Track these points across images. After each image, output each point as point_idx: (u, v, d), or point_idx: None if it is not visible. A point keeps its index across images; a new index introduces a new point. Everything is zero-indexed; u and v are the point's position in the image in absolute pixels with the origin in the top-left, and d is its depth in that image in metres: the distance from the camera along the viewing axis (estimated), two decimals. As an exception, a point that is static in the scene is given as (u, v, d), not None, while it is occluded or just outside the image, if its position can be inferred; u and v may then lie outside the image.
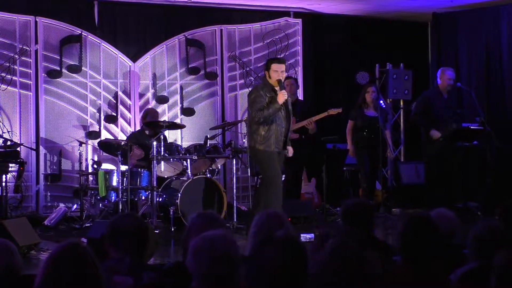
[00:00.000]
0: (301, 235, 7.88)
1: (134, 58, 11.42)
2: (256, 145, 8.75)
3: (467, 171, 11.30)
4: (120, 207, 9.58)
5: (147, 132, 10.45)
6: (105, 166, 10.25)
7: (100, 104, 11.19)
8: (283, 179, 10.98)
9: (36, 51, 10.82)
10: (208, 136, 10.29)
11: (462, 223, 9.91)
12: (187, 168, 9.98)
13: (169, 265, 4.46)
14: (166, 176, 10.01)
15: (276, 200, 8.69)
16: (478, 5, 12.12)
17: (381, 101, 11.09)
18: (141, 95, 11.45)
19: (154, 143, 9.62)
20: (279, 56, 11.54)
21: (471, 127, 11.20)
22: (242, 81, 12.04)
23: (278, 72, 8.77)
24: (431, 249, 4.16)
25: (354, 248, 3.31)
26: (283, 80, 8.83)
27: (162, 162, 9.80)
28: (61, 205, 10.40)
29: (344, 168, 11.97)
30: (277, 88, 8.72)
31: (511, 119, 11.89)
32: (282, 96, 8.70)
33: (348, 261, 3.24)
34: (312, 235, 7.74)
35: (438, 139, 11.04)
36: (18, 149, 10.01)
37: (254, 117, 8.71)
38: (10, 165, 9.78)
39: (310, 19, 12.65)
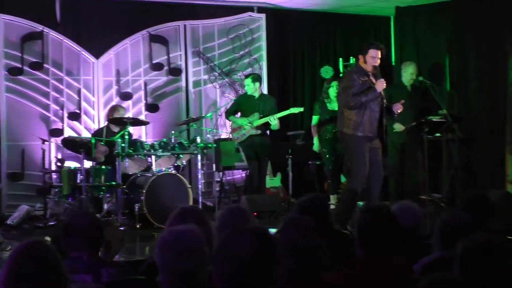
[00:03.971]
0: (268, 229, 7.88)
1: (97, 55, 11.36)
2: (348, 130, 8.71)
3: (430, 163, 11.36)
4: (84, 205, 9.52)
5: (112, 128, 10.39)
6: (69, 163, 10.17)
7: (63, 101, 11.11)
8: (247, 174, 11.07)
9: (-4, 49, 10.73)
10: (173, 132, 10.25)
11: (426, 214, 10.08)
12: (151, 165, 9.96)
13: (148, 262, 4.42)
14: (130, 173, 9.96)
15: (354, 193, 8.66)
16: (439, -1, 12.21)
17: None
18: (105, 92, 11.39)
19: (119, 139, 9.58)
20: (241, 52, 11.57)
21: (434, 120, 11.30)
22: (207, 76, 12.03)
23: (375, 58, 8.75)
24: (390, 240, 4.17)
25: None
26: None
27: (127, 159, 9.75)
28: (24, 205, 10.29)
29: (310, 162, 11.99)
30: (370, 74, 8.71)
31: (473, 111, 11.98)
32: (381, 85, 8.70)
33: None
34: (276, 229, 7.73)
35: (402, 132, 11.13)
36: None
37: (349, 102, 8.66)
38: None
39: (274, 14, 12.66)
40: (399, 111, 8.94)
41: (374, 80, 8.74)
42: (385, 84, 8.73)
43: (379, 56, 8.79)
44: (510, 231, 5.65)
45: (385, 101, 8.91)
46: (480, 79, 11.85)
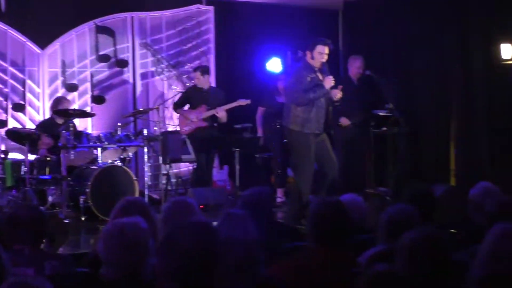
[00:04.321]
0: (213, 223, 7.88)
1: (42, 45, 11.25)
2: (294, 127, 8.70)
3: (377, 157, 11.47)
4: (28, 198, 9.42)
5: (57, 120, 10.29)
6: (13, 155, 10.04)
7: (7, 92, 10.98)
8: (194, 166, 11.07)
9: None
10: (120, 124, 10.20)
11: (372, 208, 10.17)
12: (97, 157, 9.91)
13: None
14: (76, 165, 9.89)
15: (305, 187, 8.67)
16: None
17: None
18: (50, 83, 11.28)
19: (63, 131, 9.49)
20: (189, 45, 11.55)
21: (381, 114, 11.40)
22: (154, 68, 12.00)
23: (323, 54, 8.75)
24: (340, 233, 4.23)
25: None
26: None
27: (72, 151, 9.66)
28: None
29: (257, 155, 12.00)
30: (317, 70, 8.71)
31: (420, 105, 12.12)
32: (329, 82, 8.70)
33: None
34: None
35: (348, 126, 11.20)
36: None
37: (297, 99, 8.63)
38: None
39: (222, 6, 12.65)
40: (338, 96, 8.94)
41: (321, 77, 8.78)
42: (333, 82, 8.76)
43: (327, 52, 8.84)
44: (453, 224, 5.77)
45: (337, 97, 8.91)
46: (427, 74, 11.99)
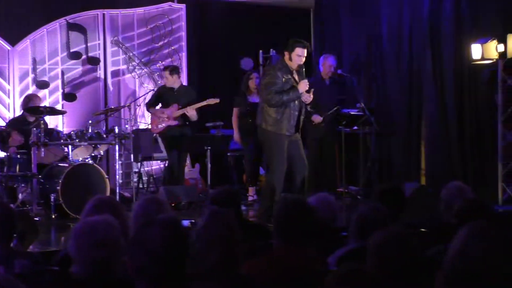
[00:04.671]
0: (184, 221, 7.89)
1: (13, 42, 11.21)
2: (267, 127, 8.71)
3: (348, 156, 11.54)
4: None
5: (28, 118, 10.24)
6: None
7: (-23, 89, 10.95)
8: (166, 165, 11.08)
9: None
10: (91, 122, 10.18)
11: (343, 206, 10.23)
12: (68, 154, 9.86)
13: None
14: (46, 163, 9.84)
15: (278, 185, 8.68)
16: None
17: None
18: (21, 80, 11.24)
19: (34, 129, 9.45)
20: (161, 42, 11.55)
21: (352, 113, 11.48)
22: (125, 66, 12.00)
23: (301, 57, 8.72)
24: (306, 231, 4.22)
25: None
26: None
27: (43, 149, 9.62)
28: None
29: (228, 154, 12.05)
30: (294, 72, 8.72)
31: (391, 105, 12.16)
32: (304, 86, 8.68)
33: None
34: (188, 221, 7.62)
35: (320, 124, 11.25)
36: None
37: (271, 100, 8.62)
38: None
39: (194, 4, 12.69)
40: (309, 100, 8.96)
41: (297, 78, 8.80)
42: (308, 86, 8.77)
43: (305, 54, 8.85)
44: (423, 223, 5.83)
45: (308, 101, 8.94)
46: (398, 73, 12.02)
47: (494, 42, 10.18)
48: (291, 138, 8.81)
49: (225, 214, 3.55)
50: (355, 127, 11.64)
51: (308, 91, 8.78)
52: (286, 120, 8.70)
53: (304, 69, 8.98)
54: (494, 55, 10.21)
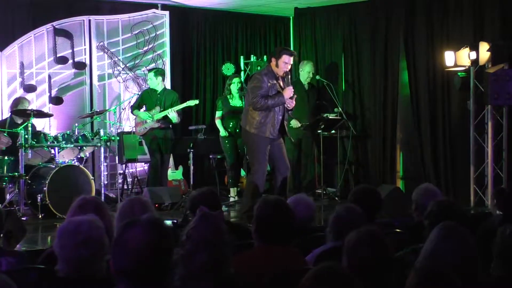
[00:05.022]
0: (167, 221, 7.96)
1: (1, 47, 11.20)
2: (251, 129, 8.89)
3: (326, 159, 11.68)
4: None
5: (15, 120, 10.33)
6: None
7: (-34, 93, 10.98)
8: (150, 166, 11.16)
9: None
10: (77, 125, 10.27)
11: (320, 207, 10.41)
12: (55, 156, 9.96)
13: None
14: (34, 164, 9.93)
15: (259, 186, 8.85)
16: (336, 1, 12.49)
17: None
18: (9, 84, 11.27)
19: (22, 131, 9.53)
20: (145, 48, 11.64)
21: (330, 117, 11.66)
22: (111, 71, 12.07)
23: (287, 64, 8.89)
24: (284, 231, 4.30)
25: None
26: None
27: (30, 150, 9.68)
28: None
29: (211, 156, 12.11)
30: (279, 78, 8.90)
31: (367, 109, 12.35)
32: (289, 92, 8.86)
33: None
34: (170, 221, 7.51)
35: (299, 128, 11.48)
36: None
37: (256, 103, 8.80)
38: None
39: (177, 11, 12.74)
40: (291, 105, 9.17)
41: (282, 84, 9.00)
42: (292, 92, 8.94)
43: (291, 62, 9.02)
44: (397, 223, 6.03)
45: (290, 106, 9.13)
46: (374, 78, 12.21)
47: (467, 49, 10.36)
48: (275, 141, 8.97)
49: (216, 216, 3.50)
50: (333, 131, 11.80)
51: (291, 97, 8.97)
52: (270, 123, 8.84)
53: (289, 76, 9.20)
54: (467, 62, 10.38)
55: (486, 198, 10.40)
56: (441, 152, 11.40)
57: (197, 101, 10.95)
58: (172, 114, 10.69)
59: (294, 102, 9.06)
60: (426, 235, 3.90)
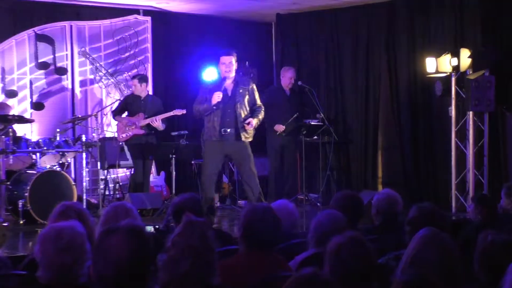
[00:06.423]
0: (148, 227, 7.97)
1: (-18, 52, 11.24)
2: (202, 136, 9.58)
3: (308, 165, 11.72)
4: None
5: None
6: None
7: None
8: (132, 172, 11.18)
9: None
10: (59, 130, 10.24)
11: (302, 213, 10.42)
12: (36, 162, 9.93)
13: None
14: (15, 170, 9.90)
15: (203, 186, 9.37)
16: (318, 8, 12.56)
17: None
18: (-11, 89, 11.28)
19: (3, 136, 9.48)
20: (127, 53, 11.71)
21: (312, 123, 11.70)
22: (93, 76, 12.05)
23: (224, 64, 9.35)
24: (269, 237, 4.32)
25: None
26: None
27: (11, 156, 9.61)
28: None
29: (193, 162, 12.12)
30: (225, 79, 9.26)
31: (349, 115, 12.43)
32: (216, 98, 9.11)
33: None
34: (151, 226, 7.50)
35: (281, 134, 11.51)
36: None
37: (192, 110, 9.30)
38: None
39: (159, 17, 12.75)
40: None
41: (228, 86, 9.27)
42: (220, 97, 9.21)
43: (228, 61, 9.32)
44: (381, 229, 6.02)
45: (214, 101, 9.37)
46: (355, 84, 12.30)
47: (448, 56, 10.43)
48: (235, 149, 9.41)
49: (202, 224, 3.50)
50: (315, 137, 11.86)
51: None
52: (212, 126, 9.37)
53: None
54: (448, 69, 10.45)
55: (467, 204, 10.41)
56: (422, 157, 11.48)
57: (184, 111, 10.92)
58: (157, 123, 10.70)
59: (218, 97, 9.32)
60: (407, 241, 3.93)
